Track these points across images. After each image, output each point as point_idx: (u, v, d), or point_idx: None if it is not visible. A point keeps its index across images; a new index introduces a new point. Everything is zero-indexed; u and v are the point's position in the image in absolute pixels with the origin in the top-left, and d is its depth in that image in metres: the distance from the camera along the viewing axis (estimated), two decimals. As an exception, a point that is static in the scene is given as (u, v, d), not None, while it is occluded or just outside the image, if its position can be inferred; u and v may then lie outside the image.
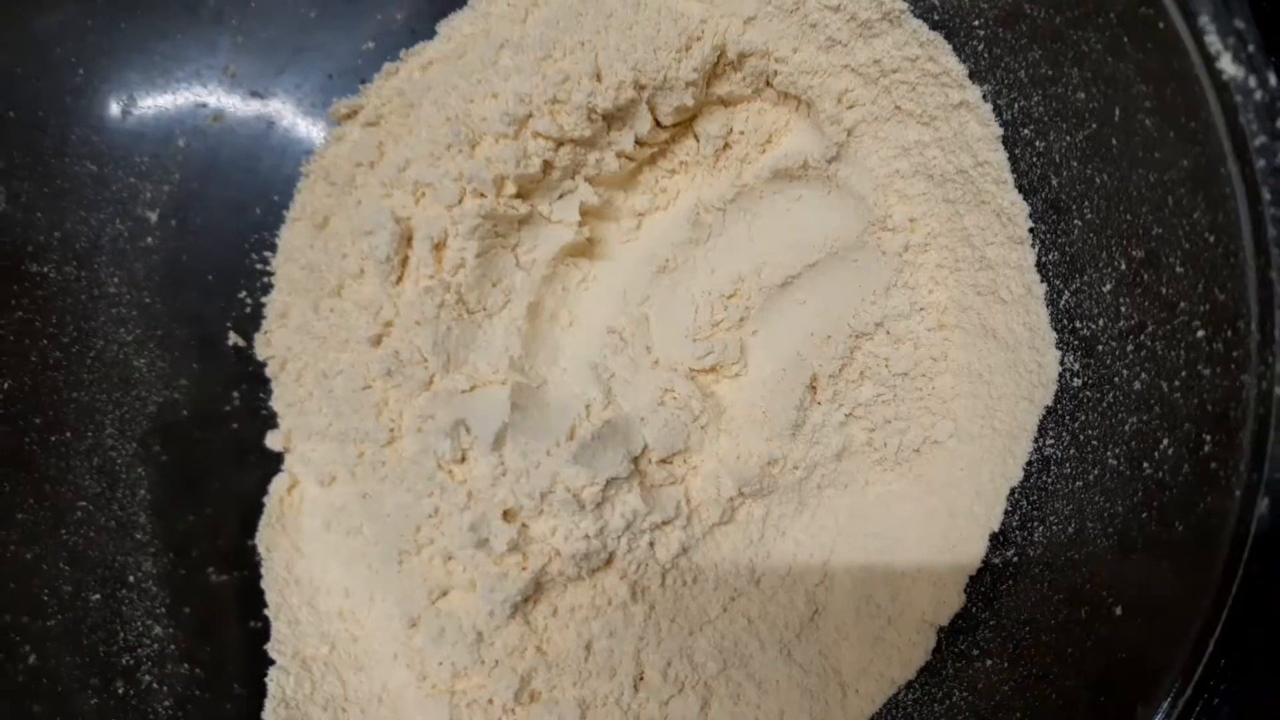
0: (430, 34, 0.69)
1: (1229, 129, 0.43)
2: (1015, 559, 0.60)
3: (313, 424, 0.68)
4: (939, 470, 0.65)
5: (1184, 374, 0.48)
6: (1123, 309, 0.53)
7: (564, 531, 0.61)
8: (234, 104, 0.71)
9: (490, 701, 0.62)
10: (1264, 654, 0.43)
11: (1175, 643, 0.45)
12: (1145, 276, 0.51)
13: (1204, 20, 0.43)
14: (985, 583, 0.62)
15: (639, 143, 0.66)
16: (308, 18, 0.70)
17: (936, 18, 0.59)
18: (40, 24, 0.62)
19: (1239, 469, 0.43)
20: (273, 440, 0.70)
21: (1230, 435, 0.44)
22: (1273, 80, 0.42)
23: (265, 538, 0.68)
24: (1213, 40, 0.42)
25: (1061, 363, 0.58)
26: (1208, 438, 0.46)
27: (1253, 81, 0.42)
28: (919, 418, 0.65)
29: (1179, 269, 0.48)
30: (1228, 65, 0.42)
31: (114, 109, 0.66)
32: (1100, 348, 0.55)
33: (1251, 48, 0.42)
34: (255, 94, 0.71)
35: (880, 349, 0.65)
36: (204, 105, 0.70)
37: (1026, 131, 0.57)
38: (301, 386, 0.69)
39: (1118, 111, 0.50)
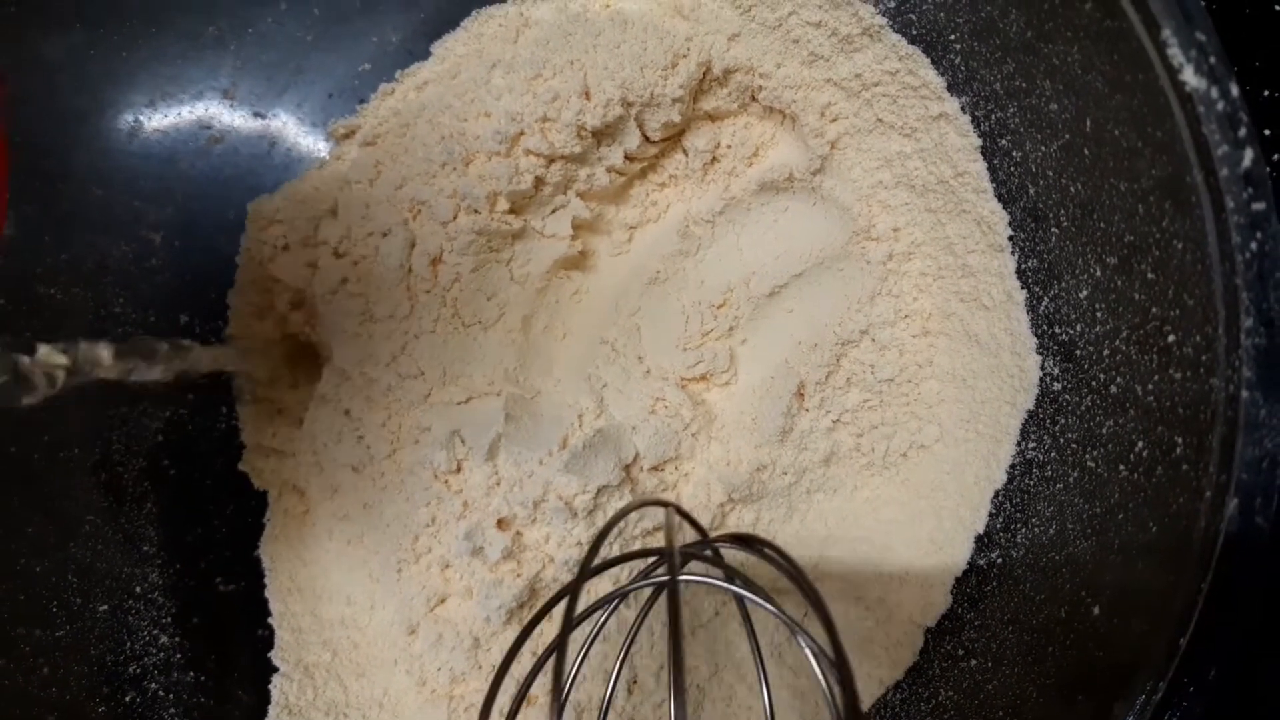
0: (425, 55, 0.71)
1: (1193, 139, 0.44)
2: (999, 560, 0.61)
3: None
4: (925, 474, 0.66)
5: (1156, 378, 0.49)
6: (1099, 314, 0.54)
7: (557, 539, 0.62)
8: (236, 125, 0.71)
9: (488, 706, 0.63)
10: (1235, 651, 0.43)
11: (1150, 641, 0.45)
12: (1119, 283, 0.51)
13: (1167, 33, 0.44)
14: (971, 584, 0.63)
15: (628, 158, 0.67)
16: (305, 41, 0.72)
17: (915, 32, 0.60)
18: (45, 51, 0.64)
19: (1209, 470, 0.44)
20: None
21: (1200, 437, 0.45)
22: (1234, 91, 0.43)
23: (269, 548, 0.69)
24: (1175, 53, 0.43)
25: (1042, 367, 0.59)
26: (1179, 440, 0.46)
27: (1215, 92, 0.43)
28: (905, 423, 0.66)
29: (1150, 275, 0.49)
30: (1190, 77, 0.43)
31: (119, 133, 0.67)
32: (1078, 352, 0.56)
33: (1213, 59, 0.43)
34: (257, 114, 0.72)
35: (866, 356, 0.66)
36: (207, 127, 0.71)
37: (1004, 142, 0.58)
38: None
39: (1089, 122, 0.51)
